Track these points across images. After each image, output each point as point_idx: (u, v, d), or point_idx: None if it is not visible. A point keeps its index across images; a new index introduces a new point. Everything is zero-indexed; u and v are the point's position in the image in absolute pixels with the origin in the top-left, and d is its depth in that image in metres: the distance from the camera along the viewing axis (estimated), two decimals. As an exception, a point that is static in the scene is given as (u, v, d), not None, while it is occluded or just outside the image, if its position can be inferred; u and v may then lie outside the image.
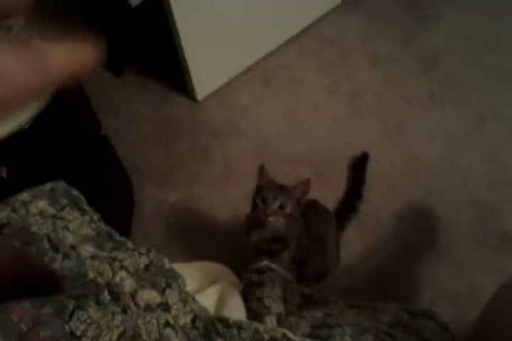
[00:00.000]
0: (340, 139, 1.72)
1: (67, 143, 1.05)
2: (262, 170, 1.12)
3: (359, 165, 1.60)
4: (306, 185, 1.08)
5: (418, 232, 1.49)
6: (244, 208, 1.19)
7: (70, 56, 0.30)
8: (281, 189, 1.08)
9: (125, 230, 1.40)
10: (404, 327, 0.68)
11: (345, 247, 1.40)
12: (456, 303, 1.34)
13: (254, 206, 1.10)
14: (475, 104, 1.78)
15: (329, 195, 1.57)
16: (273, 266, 0.87)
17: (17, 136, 0.92)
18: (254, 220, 1.11)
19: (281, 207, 1.06)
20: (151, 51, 1.91)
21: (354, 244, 1.45)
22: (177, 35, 1.54)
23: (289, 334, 0.64)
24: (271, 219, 1.05)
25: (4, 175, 0.88)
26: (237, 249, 1.30)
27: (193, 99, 1.83)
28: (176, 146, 1.72)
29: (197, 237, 1.53)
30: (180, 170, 1.67)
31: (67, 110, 1.06)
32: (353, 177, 1.59)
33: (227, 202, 1.58)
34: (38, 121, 0.96)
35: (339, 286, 1.38)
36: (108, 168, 1.34)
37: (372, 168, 1.60)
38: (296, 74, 1.91)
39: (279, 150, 1.70)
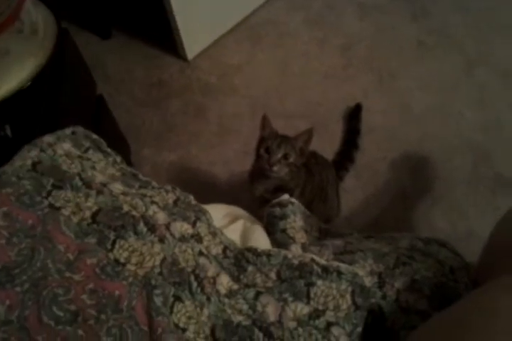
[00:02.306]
0: (333, 92, 1.73)
1: (66, 101, 1.05)
2: (264, 121, 1.12)
3: (353, 116, 1.61)
4: (308, 134, 1.09)
5: (415, 178, 1.53)
6: (241, 165, 1.20)
7: None
8: (285, 139, 1.09)
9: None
10: (420, 250, 0.72)
11: (344, 196, 1.44)
12: (454, 244, 1.39)
13: (258, 157, 1.11)
14: (465, 51, 1.79)
15: (326, 147, 1.58)
16: (293, 199, 0.90)
17: (18, 95, 0.92)
18: (258, 171, 1.13)
19: (285, 157, 1.08)
20: (139, 13, 1.87)
21: (353, 192, 1.48)
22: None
23: (317, 258, 0.68)
24: (275, 168, 1.07)
25: (9, 133, 0.88)
26: (237, 204, 1.32)
27: (184, 58, 1.80)
28: (169, 107, 1.71)
29: (196, 196, 1.53)
30: (176, 130, 1.66)
31: (65, 69, 1.05)
32: (349, 128, 1.61)
33: (224, 159, 1.59)
34: (37, 80, 0.96)
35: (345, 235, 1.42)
36: (105, 128, 1.33)
37: (367, 119, 1.61)
38: (285, 29, 1.88)
39: (273, 105, 1.70)
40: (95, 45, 1.87)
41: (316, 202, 1.25)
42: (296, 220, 0.85)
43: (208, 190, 1.53)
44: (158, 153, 1.59)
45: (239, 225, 0.85)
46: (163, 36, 1.77)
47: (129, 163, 1.53)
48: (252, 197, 1.19)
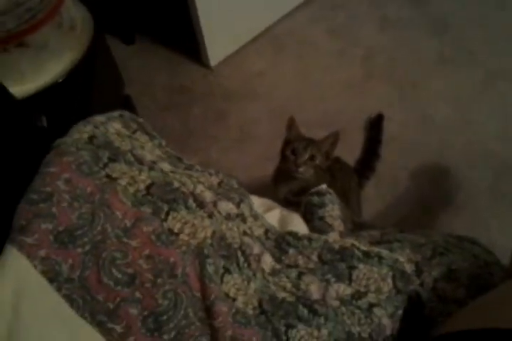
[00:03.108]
0: (353, 102, 1.74)
1: (97, 96, 1.07)
2: (291, 123, 1.13)
3: (375, 126, 1.62)
4: (335, 137, 1.10)
5: (435, 188, 1.52)
6: (261, 170, 1.21)
7: None
8: (311, 141, 1.10)
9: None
10: (454, 244, 0.72)
11: (364, 204, 1.43)
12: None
13: (284, 158, 1.12)
14: (485, 64, 1.79)
15: (346, 156, 1.57)
16: (331, 190, 0.91)
17: (54, 89, 0.94)
18: (283, 172, 1.13)
19: (311, 158, 1.08)
20: (163, 19, 1.90)
21: (373, 201, 1.48)
22: (192, 1, 1.54)
23: (357, 243, 0.68)
24: (301, 169, 1.07)
25: (45, 123, 0.89)
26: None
27: (207, 65, 1.83)
28: (191, 112, 1.73)
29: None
30: (197, 135, 1.67)
31: (97, 65, 1.07)
32: (370, 137, 1.61)
33: (244, 164, 1.59)
34: (72, 74, 0.98)
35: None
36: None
37: (387, 129, 1.62)
38: (307, 39, 1.91)
39: (293, 113, 1.68)
40: (119, 50, 1.89)
41: (338, 207, 1.25)
42: (334, 209, 0.86)
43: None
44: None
45: (276, 213, 0.86)
46: (187, 43, 1.80)
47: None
48: (276, 198, 1.19)
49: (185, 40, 1.79)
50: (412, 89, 1.75)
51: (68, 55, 0.98)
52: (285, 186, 1.14)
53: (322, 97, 1.76)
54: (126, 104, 1.31)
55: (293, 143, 1.10)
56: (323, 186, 0.94)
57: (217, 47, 1.78)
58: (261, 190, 1.32)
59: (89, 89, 1.03)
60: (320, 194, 0.91)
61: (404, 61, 1.83)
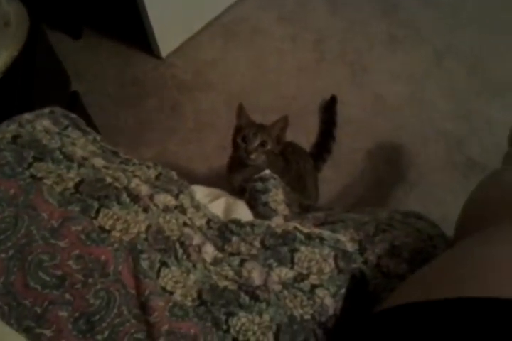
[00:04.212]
0: (308, 86, 1.75)
1: (39, 95, 1.04)
2: (240, 110, 1.13)
3: (329, 108, 1.64)
4: (284, 121, 1.11)
5: (390, 167, 1.56)
6: (220, 159, 1.21)
7: None
8: (261, 127, 1.11)
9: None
10: (399, 221, 0.73)
11: (322, 186, 1.45)
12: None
13: (235, 146, 1.12)
14: (433, 43, 1.83)
15: (302, 140, 1.60)
16: (274, 174, 0.92)
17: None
18: (236, 160, 1.14)
19: (262, 144, 1.09)
20: (110, 11, 1.85)
21: (331, 183, 1.50)
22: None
23: (299, 226, 0.69)
24: (253, 156, 1.07)
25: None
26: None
27: (158, 56, 1.80)
28: (144, 105, 1.71)
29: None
30: (152, 128, 1.66)
31: (37, 62, 1.05)
32: (325, 120, 1.63)
33: (202, 155, 1.59)
34: (9, 73, 0.95)
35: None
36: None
37: (342, 112, 1.64)
38: (258, 27, 1.90)
39: (249, 100, 1.70)
40: (66, 45, 1.85)
41: (294, 191, 1.26)
42: (278, 193, 0.87)
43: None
44: (134, 150, 1.58)
45: (221, 202, 0.86)
46: (136, 34, 1.76)
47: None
48: (231, 188, 1.19)
49: (134, 31, 1.75)
50: (363, 71, 1.78)
51: (4, 52, 0.95)
52: (239, 174, 1.15)
53: (276, 83, 1.76)
54: (73, 100, 1.28)
55: (243, 130, 1.10)
56: (267, 171, 0.94)
57: (168, 37, 1.76)
58: (220, 180, 1.32)
59: (30, 87, 1.00)
60: (263, 179, 0.92)
61: (356, 43, 1.85)
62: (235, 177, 1.16)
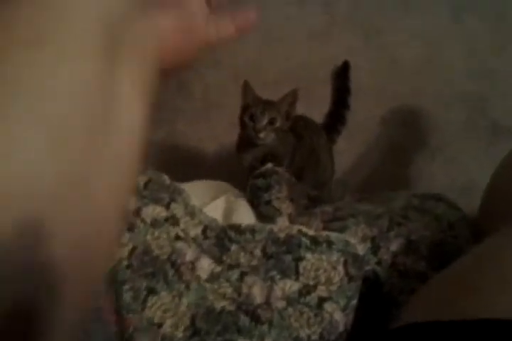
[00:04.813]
0: (318, 52, 1.66)
1: None
2: (245, 88, 1.08)
3: (342, 75, 1.55)
4: (293, 95, 1.05)
5: (409, 135, 1.49)
6: (230, 137, 1.16)
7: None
8: (269, 103, 1.05)
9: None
10: (416, 208, 0.68)
11: (337, 159, 1.39)
12: (454, 197, 1.36)
13: (243, 125, 1.07)
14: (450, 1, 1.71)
15: (315, 111, 1.53)
16: (277, 168, 0.86)
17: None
18: (245, 140, 1.09)
19: (271, 122, 1.04)
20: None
21: (346, 154, 1.45)
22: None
23: (304, 229, 0.64)
24: (261, 135, 1.03)
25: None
26: (229, 178, 1.29)
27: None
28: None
29: (186, 173, 1.49)
30: (159, 108, 1.60)
31: None
32: (338, 88, 1.55)
33: (212, 134, 1.55)
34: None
35: (336, 200, 1.38)
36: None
37: (355, 78, 1.55)
38: (261, -8, 1.80)
39: (257, 73, 1.64)
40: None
41: (308, 167, 1.21)
42: (281, 190, 0.81)
43: (198, 166, 1.50)
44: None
45: (221, 201, 0.80)
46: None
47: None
48: (242, 169, 1.15)
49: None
50: (377, 34, 1.67)
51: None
52: (249, 154, 1.10)
53: (285, 52, 1.68)
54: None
55: (250, 109, 1.05)
56: (269, 166, 0.88)
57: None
58: (231, 159, 1.28)
59: None
60: (265, 175, 0.85)
61: (367, 3, 1.74)
62: (245, 157, 1.12)
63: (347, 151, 1.44)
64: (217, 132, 1.53)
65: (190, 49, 0.38)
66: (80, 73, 0.23)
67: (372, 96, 1.54)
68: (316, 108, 1.55)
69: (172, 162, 1.52)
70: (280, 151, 1.11)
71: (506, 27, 1.64)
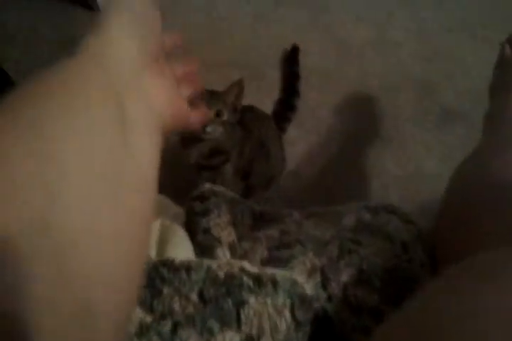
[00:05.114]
0: (265, 34, 1.59)
1: None
2: (189, 77, 0.99)
3: (291, 60, 1.49)
4: (239, 85, 0.98)
5: (360, 121, 1.45)
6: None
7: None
8: (214, 94, 0.98)
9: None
10: (368, 227, 0.63)
11: (288, 149, 1.35)
12: (406, 186, 1.35)
13: (187, 119, 0.99)
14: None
15: (265, 97, 1.47)
16: (216, 187, 0.76)
17: None
18: (190, 134, 1.02)
19: (218, 115, 0.97)
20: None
21: (297, 144, 1.40)
22: None
23: (247, 266, 0.55)
24: (208, 128, 0.96)
25: None
26: (177, 174, 1.21)
27: (96, 9, 1.59)
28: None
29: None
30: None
31: None
32: (287, 73, 1.49)
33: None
34: None
35: (289, 191, 1.34)
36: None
37: (304, 61, 1.50)
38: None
39: (201, 56, 1.53)
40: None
41: (257, 161, 1.16)
42: (221, 214, 0.71)
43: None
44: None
45: (155, 227, 0.69)
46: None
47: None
48: (188, 164, 1.08)
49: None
50: (324, 14, 1.61)
51: None
52: (194, 150, 1.03)
53: (231, 33, 1.60)
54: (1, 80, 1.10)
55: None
56: (206, 186, 0.77)
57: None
58: (178, 156, 1.20)
59: None
60: (203, 198, 0.75)
61: None
62: (191, 154, 1.05)
63: (299, 141, 1.39)
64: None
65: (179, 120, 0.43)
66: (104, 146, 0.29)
67: (321, 81, 1.49)
68: (265, 94, 1.48)
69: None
70: (227, 146, 1.04)
71: (452, 6, 1.62)
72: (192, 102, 0.47)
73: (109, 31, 0.35)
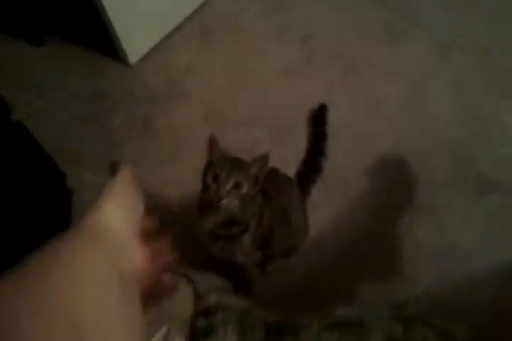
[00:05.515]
0: (295, 91, 1.55)
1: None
2: (212, 143, 0.94)
3: (319, 119, 1.44)
4: (264, 159, 0.92)
5: (390, 187, 1.37)
6: (198, 184, 1.03)
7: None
8: (236, 164, 0.92)
9: (63, 223, 1.23)
10: None
11: (313, 213, 1.27)
12: (436, 259, 1.25)
13: (205, 186, 0.93)
14: (436, 34, 1.62)
15: (290, 157, 1.42)
16: (223, 299, 0.69)
17: None
18: (206, 203, 0.96)
19: (236, 186, 0.90)
20: (73, 16, 1.64)
21: (322, 208, 1.32)
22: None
23: None
24: (224, 201, 0.89)
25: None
26: (194, 230, 1.15)
27: (126, 63, 1.60)
28: (112, 122, 1.52)
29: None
30: (120, 148, 1.47)
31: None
32: (314, 132, 1.44)
33: (178, 178, 1.41)
34: None
35: (311, 260, 1.26)
36: (27, 159, 1.15)
37: (333, 118, 1.44)
38: (238, 24, 1.69)
39: (229, 111, 1.52)
40: (26, 54, 1.65)
41: (278, 229, 1.09)
42: (227, 331, 0.64)
43: (161, 214, 1.35)
44: (100, 175, 1.39)
45: (160, 336, 0.63)
46: (101, 41, 1.56)
47: (67, 192, 1.34)
48: (203, 231, 1.02)
49: (98, 37, 1.54)
50: (358, 71, 1.57)
51: None
52: (209, 219, 0.97)
53: (260, 88, 1.57)
54: (15, 134, 1.10)
55: (215, 168, 0.92)
56: (212, 298, 0.71)
57: (135, 41, 1.56)
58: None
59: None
60: (209, 312, 0.68)
61: (348, 37, 1.64)
62: (205, 222, 0.98)
63: (323, 205, 1.32)
64: (183, 176, 1.38)
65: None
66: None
67: (350, 141, 1.43)
68: (291, 153, 1.43)
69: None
70: (244, 217, 0.98)
71: (493, 67, 1.56)
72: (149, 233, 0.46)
73: (104, 210, 0.39)
